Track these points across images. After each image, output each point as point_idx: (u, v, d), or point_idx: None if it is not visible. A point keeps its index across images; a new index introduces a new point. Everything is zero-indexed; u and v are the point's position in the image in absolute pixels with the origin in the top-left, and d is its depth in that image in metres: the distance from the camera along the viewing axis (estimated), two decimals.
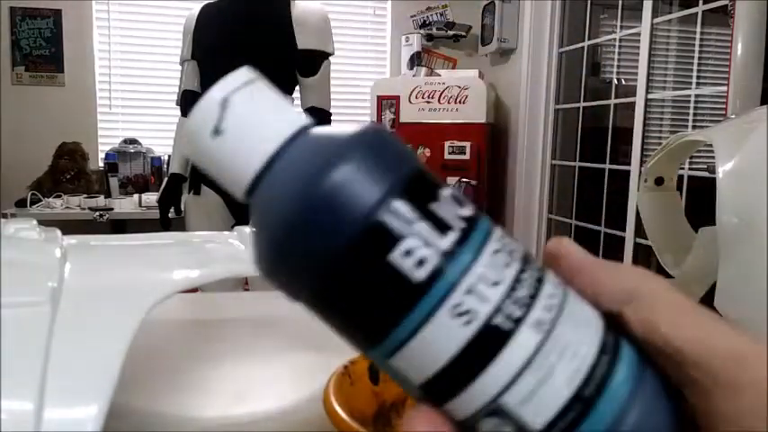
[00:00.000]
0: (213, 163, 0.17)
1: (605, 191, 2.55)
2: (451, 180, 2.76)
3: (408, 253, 0.16)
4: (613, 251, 2.41)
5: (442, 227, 0.16)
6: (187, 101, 1.89)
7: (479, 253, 0.16)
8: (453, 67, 3.32)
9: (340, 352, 0.30)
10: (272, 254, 0.17)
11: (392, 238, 0.16)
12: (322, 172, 0.16)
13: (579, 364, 0.16)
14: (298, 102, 1.89)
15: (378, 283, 0.16)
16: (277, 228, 0.16)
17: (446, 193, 0.17)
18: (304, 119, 0.18)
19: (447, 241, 0.16)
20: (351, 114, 3.21)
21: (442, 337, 0.16)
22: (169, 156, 2.04)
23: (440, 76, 3.01)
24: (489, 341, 0.16)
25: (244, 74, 0.17)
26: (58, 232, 0.45)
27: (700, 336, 0.16)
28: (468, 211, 0.17)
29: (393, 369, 0.17)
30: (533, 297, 0.16)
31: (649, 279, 0.18)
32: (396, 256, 0.16)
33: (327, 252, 0.16)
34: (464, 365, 0.16)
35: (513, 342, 0.16)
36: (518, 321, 0.16)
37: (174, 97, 1.99)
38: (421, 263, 0.16)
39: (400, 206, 0.16)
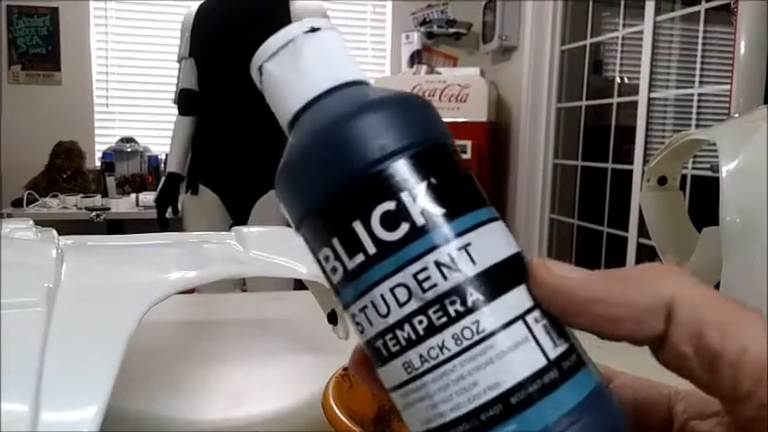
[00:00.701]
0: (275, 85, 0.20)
1: (608, 190, 2.54)
2: None
3: (326, 259, 0.18)
4: (616, 251, 2.41)
5: (354, 247, 0.17)
6: (185, 99, 1.89)
7: (377, 284, 0.17)
8: (454, 66, 3.31)
9: (339, 354, 0.30)
10: (282, 173, 0.19)
11: (320, 241, 0.18)
12: (327, 123, 0.18)
13: (430, 418, 0.17)
14: None
15: (318, 260, 0.18)
16: (291, 152, 0.19)
17: (383, 209, 0.17)
18: (348, 76, 0.19)
19: (353, 262, 0.17)
20: None
21: (355, 328, 0.18)
22: (166, 155, 2.03)
23: (440, 74, 3.00)
24: (374, 354, 0.18)
25: (308, 24, 0.19)
26: (55, 232, 0.45)
27: (755, 344, 0.15)
28: (395, 235, 0.17)
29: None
30: (414, 342, 0.17)
31: (677, 279, 0.16)
32: (320, 257, 0.18)
33: (302, 196, 0.18)
34: (370, 355, 0.18)
35: (389, 366, 0.18)
36: (393, 355, 0.17)
37: (172, 96, 1.99)
38: (333, 271, 0.18)
39: (328, 218, 0.18)
